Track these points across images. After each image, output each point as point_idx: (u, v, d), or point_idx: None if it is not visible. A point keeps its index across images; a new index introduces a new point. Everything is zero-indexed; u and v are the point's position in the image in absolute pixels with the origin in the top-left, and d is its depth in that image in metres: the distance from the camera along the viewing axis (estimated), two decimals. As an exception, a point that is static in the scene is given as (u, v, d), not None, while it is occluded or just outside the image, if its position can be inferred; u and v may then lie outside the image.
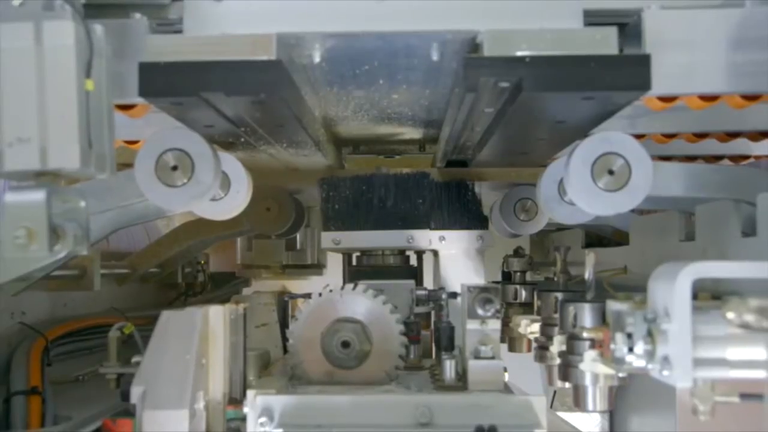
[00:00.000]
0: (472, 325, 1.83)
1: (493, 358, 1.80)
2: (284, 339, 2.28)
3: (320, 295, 1.92)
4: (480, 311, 1.82)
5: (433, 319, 2.36)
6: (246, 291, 4.07)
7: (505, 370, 1.85)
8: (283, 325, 2.43)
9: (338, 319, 1.89)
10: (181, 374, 1.74)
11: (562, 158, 1.77)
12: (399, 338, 1.91)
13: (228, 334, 1.92)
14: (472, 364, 1.80)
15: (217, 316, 1.89)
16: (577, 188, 1.57)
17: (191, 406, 1.73)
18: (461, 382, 1.85)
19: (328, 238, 2.40)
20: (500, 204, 2.53)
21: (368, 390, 1.77)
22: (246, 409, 1.70)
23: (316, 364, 1.88)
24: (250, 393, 1.71)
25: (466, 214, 2.45)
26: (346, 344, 1.88)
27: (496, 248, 2.72)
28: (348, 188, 2.42)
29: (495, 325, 1.83)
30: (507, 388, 1.79)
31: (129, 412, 1.71)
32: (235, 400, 1.90)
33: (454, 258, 2.46)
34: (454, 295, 2.19)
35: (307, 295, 1.98)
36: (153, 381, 1.71)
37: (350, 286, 1.93)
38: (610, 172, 1.55)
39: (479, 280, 2.37)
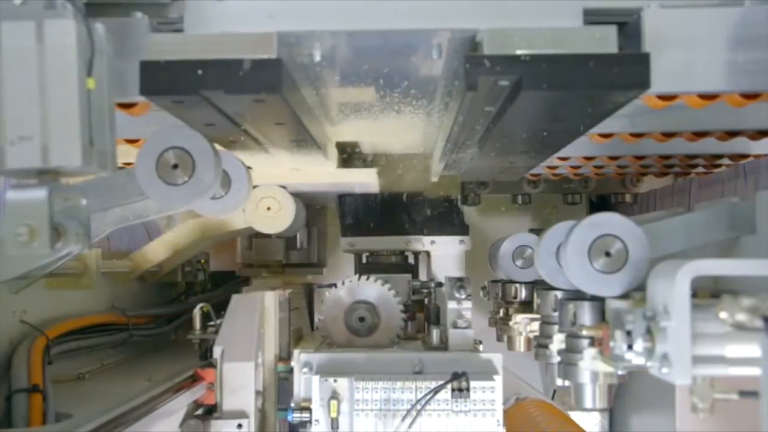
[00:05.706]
0: (451, 305, 2.48)
1: (466, 328, 2.45)
2: (311, 319, 3.34)
3: (343, 284, 2.60)
4: (456, 295, 2.47)
5: (426, 303, 3.00)
6: (246, 290, 4.06)
7: (480, 342, 2.58)
8: (310, 309, 3.13)
9: (356, 301, 2.57)
10: (248, 338, 2.61)
11: (556, 228, 1.79)
12: (400, 315, 2.57)
13: (278, 312, 2.78)
14: (452, 332, 2.47)
15: (270, 299, 2.77)
16: (577, 277, 1.56)
17: (255, 360, 2.58)
18: (443, 345, 2.51)
19: (344, 242, 3.11)
20: (499, 250, 2.71)
21: (378, 350, 2.46)
22: (293, 363, 2.41)
23: (340, 333, 2.56)
24: (295, 351, 2.42)
25: (451, 223, 3.07)
26: (362, 319, 2.56)
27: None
28: (360, 203, 3.09)
29: (467, 305, 2.48)
30: (476, 349, 2.47)
31: (212, 364, 2.54)
32: (283, 358, 2.74)
33: (442, 257, 3.10)
34: (440, 284, 2.82)
35: (332, 285, 2.63)
36: (229, 342, 2.58)
37: (364, 277, 2.60)
38: (607, 254, 1.54)
39: (461, 274, 2.97)
